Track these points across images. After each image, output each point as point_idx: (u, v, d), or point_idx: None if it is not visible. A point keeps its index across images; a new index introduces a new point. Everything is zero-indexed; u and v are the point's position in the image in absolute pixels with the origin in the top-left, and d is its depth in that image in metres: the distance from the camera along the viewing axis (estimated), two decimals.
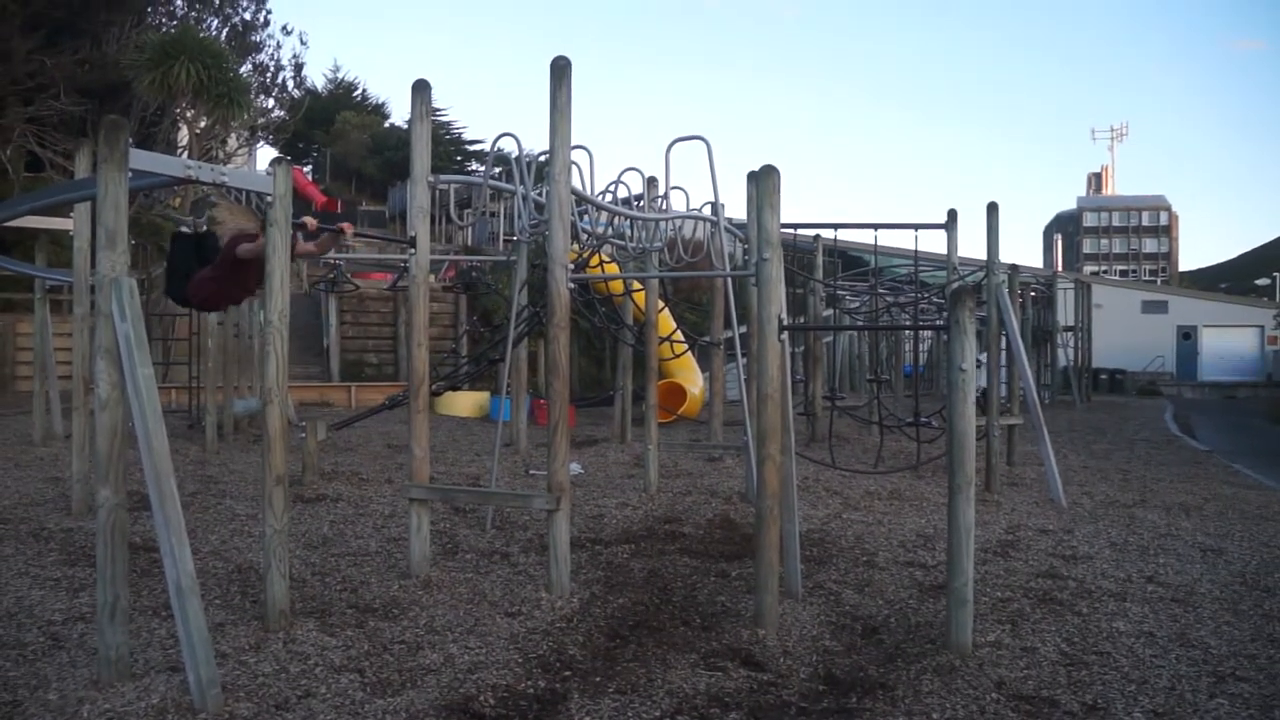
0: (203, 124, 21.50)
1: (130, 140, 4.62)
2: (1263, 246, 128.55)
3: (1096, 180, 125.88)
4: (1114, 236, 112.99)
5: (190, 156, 19.39)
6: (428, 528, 6.63)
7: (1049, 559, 7.39)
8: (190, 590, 4.35)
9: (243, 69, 23.99)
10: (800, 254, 16.88)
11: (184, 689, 4.35)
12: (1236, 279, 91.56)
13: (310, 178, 42.00)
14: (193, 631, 4.29)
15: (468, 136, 48.81)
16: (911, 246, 13.46)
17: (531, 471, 11.03)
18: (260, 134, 27.82)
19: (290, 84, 28.35)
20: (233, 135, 24.22)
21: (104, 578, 4.49)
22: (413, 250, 6.68)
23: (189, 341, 15.16)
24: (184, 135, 22.24)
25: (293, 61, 29.52)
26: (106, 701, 4.27)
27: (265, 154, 32.49)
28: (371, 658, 4.97)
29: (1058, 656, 5.20)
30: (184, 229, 5.99)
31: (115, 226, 4.49)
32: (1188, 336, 43.56)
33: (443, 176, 7.58)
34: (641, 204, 9.74)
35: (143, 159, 4.86)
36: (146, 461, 4.41)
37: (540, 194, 7.58)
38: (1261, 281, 66.23)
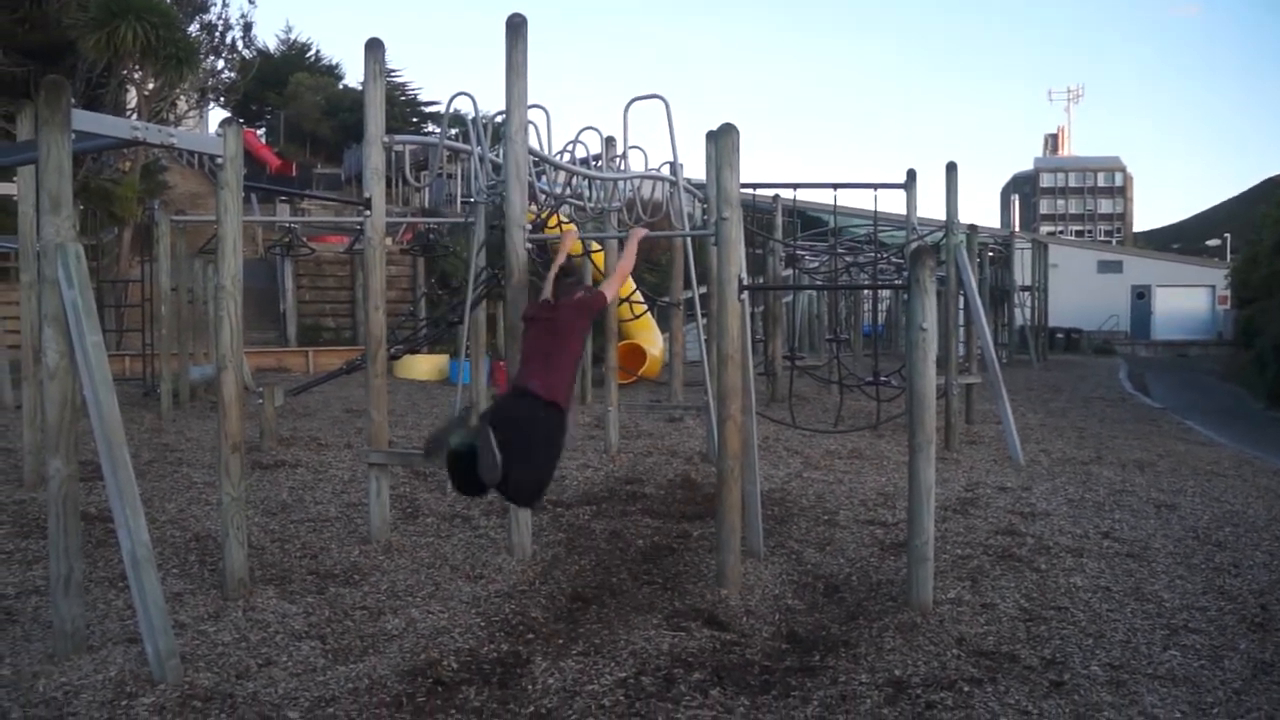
0: (151, 86, 20.99)
1: (74, 101, 4.50)
2: (1214, 207, 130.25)
3: (1053, 141, 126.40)
4: (1070, 197, 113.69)
5: (139, 119, 18.94)
6: (387, 492, 6.58)
7: (1008, 516, 7.47)
8: (146, 561, 4.29)
9: (190, 29, 23.44)
10: (760, 214, 16.86)
11: (142, 660, 4.29)
12: (1189, 240, 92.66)
13: (264, 140, 41.29)
14: (149, 602, 4.23)
15: (424, 98, 48.03)
16: (870, 206, 13.47)
17: None
18: (210, 96, 27.25)
19: (240, 44, 27.76)
20: (182, 97, 23.68)
21: (57, 550, 4.41)
22: (368, 212, 6.58)
23: (142, 308, 14.93)
24: (132, 97, 21.73)
25: (241, 21, 28.87)
26: (63, 675, 4.21)
27: (217, 116, 31.83)
28: (332, 624, 4.94)
29: (1017, 612, 5.26)
30: None
31: (59, 190, 4.37)
32: (1141, 296, 44.07)
33: (398, 137, 7.47)
34: (600, 164, 9.65)
35: (86, 120, 4.71)
36: (98, 430, 4.32)
37: (497, 154, 7.47)
38: (1212, 242, 67.12)
